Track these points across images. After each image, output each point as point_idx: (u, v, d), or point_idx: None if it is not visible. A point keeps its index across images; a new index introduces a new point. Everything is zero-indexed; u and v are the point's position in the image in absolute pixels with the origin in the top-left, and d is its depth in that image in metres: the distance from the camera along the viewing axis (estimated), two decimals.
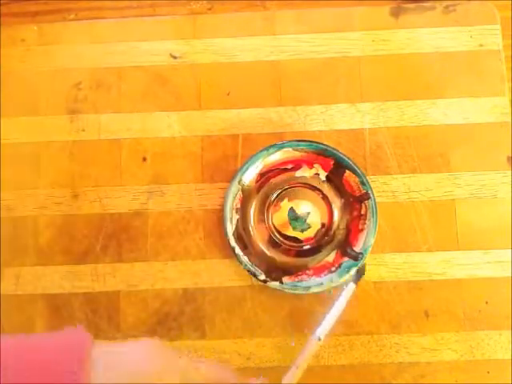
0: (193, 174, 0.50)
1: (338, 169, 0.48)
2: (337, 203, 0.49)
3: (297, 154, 0.49)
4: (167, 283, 0.49)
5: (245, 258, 0.48)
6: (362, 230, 0.48)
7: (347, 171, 0.48)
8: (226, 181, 0.50)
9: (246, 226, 0.49)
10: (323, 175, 0.49)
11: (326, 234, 0.49)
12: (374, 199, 0.47)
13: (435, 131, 0.51)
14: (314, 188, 0.49)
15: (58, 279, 0.49)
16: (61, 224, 0.50)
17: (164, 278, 0.49)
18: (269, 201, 0.49)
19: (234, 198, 0.48)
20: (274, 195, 0.49)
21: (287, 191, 0.49)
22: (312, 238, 0.49)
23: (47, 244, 0.50)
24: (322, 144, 0.48)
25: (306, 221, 0.49)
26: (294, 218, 0.49)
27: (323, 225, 0.49)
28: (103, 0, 0.56)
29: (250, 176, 0.49)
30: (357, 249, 0.48)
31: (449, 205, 0.49)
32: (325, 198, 0.49)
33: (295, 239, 0.49)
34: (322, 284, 0.47)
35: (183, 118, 0.51)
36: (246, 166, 0.48)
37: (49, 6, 0.56)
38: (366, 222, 0.48)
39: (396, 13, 0.53)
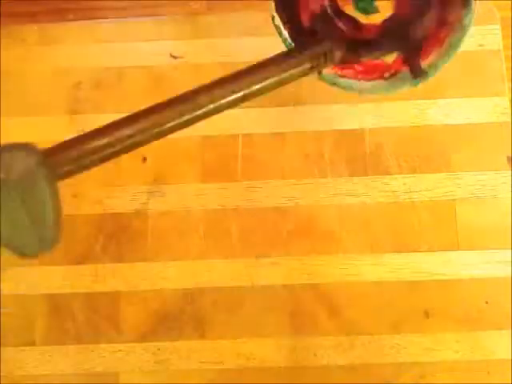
0: (193, 174, 0.50)
1: None
2: None
3: None
4: (167, 283, 0.49)
5: (285, 33, 0.37)
6: (441, 42, 0.37)
7: None
8: (226, 181, 0.50)
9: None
10: None
11: (396, 28, 0.37)
12: (472, 11, 0.34)
13: (435, 131, 0.51)
14: None
15: (58, 279, 0.49)
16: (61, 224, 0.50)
17: (164, 278, 0.49)
18: None
19: None
20: None
21: None
22: (376, 28, 0.37)
23: None
24: None
25: (374, 1, 0.37)
26: None
27: (396, 11, 0.36)
28: (103, 0, 0.56)
29: None
30: (423, 65, 0.37)
31: (449, 205, 0.49)
32: None
33: (354, 22, 0.37)
34: (368, 89, 0.38)
35: None
36: None
37: (49, 6, 0.56)
38: (450, 37, 0.36)
39: None
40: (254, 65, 0.33)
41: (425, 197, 0.50)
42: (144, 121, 0.30)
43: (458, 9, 0.35)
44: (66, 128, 0.52)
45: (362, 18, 0.37)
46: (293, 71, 0.34)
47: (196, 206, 0.50)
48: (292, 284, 0.49)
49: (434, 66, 0.37)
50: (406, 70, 0.38)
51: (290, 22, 0.37)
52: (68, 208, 0.50)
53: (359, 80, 0.38)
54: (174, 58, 0.53)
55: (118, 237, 0.50)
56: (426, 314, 0.48)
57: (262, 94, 0.33)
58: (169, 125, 0.30)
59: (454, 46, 0.36)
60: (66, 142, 0.28)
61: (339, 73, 0.38)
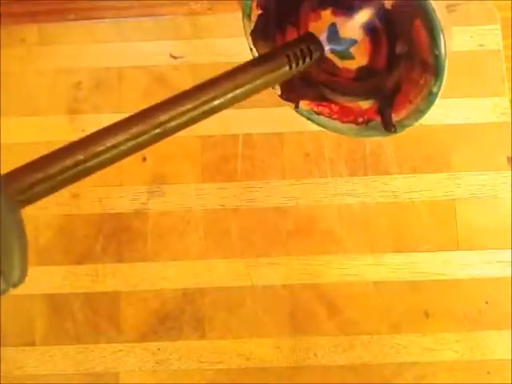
0: (193, 174, 0.50)
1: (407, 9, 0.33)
2: (400, 47, 0.36)
3: None
4: (167, 283, 0.49)
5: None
6: (411, 102, 0.36)
7: (418, 19, 0.33)
8: (226, 181, 0.50)
9: (270, 26, 0.37)
10: (389, 3, 0.34)
11: (369, 78, 0.37)
12: (441, 81, 0.34)
13: (435, 131, 0.51)
14: (374, 13, 0.35)
15: (58, 279, 0.49)
16: (61, 224, 0.50)
17: (164, 278, 0.49)
18: (306, 2, 0.36)
19: None
20: None
21: None
22: (350, 73, 0.37)
23: (47, 244, 0.50)
24: None
25: (349, 49, 0.36)
26: (334, 39, 0.36)
27: (370, 63, 0.36)
28: (103, 0, 0.56)
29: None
30: (395, 119, 0.37)
31: (449, 205, 0.49)
32: (385, 31, 0.36)
33: (331, 63, 0.37)
34: (341, 130, 0.37)
35: None
36: None
37: (49, 6, 0.56)
38: (418, 97, 0.35)
39: None
40: (227, 72, 0.32)
41: (425, 197, 0.50)
42: (109, 139, 0.28)
43: (429, 75, 0.35)
44: (66, 128, 0.52)
45: (337, 62, 0.37)
46: (270, 75, 0.33)
47: (196, 206, 0.50)
48: (292, 284, 0.49)
49: (401, 124, 0.37)
50: (378, 119, 0.38)
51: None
52: (68, 208, 0.50)
53: (334, 120, 0.38)
54: (174, 58, 0.53)
55: (118, 237, 0.50)
56: (426, 314, 0.48)
57: (239, 101, 0.32)
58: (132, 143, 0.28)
59: (421, 110, 0.36)
60: (28, 164, 0.26)
61: (315, 109, 0.39)
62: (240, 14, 0.53)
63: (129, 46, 0.53)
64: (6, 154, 0.52)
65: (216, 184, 0.50)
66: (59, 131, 0.52)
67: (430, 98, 0.35)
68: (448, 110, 0.51)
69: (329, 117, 0.38)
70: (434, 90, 0.35)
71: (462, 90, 0.51)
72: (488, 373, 0.47)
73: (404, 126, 0.37)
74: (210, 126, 0.52)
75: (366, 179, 0.50)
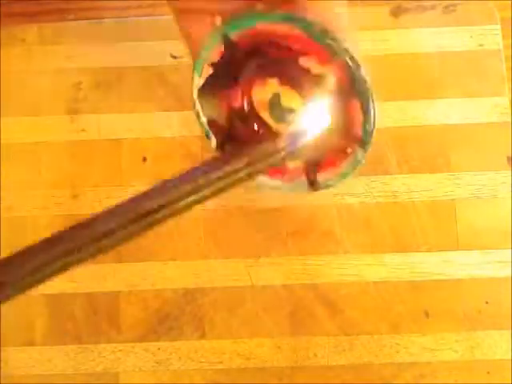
0: None
1: (349, 89, 0.36)
2: (332, 120, 0.38)
3: (293, 33, 0.35)
4: (167, 283, 0.49)
5: (204, 119, 0.39)
6: (336, 166, 0.39)
7: (355, 100, 0.36)
8: None
9: (216, 84, 0.38)
10: (330, 85, 0.37)
11: (298, 140, 0.39)
12: (367, 149, 0.37)
13: (435, 131, 0.51)
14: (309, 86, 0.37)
15: (58, 279, 0.49)
16: (61, 224, 0.49)
17: (164, 278, 0.49)
18: (255, 68, 0.39)
19: (212, 48, 0.37)
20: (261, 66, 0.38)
21: (281, 69, 0.38)
22: (281, 136, 0.39)
23: None
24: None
25: (287, 115, 0.39)
26: (275, 105, 0.39)
27: (303, 128, 0.39)
28: (103, 0, 0.56)
29: (239, 31, 0.37)
30: (319, 177, 0.40)
31: (449, 205, 0.49)
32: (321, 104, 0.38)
33: (267, 126, 0.40)
34: (265, 184, 0.40)
35: (183, 118, 0.51)
36: (238, 21, 0.36)
37: (49, 6, 0.56)
38: (344, 162, 0.38)
39: (396, 12, 0.53)
40: (180, 176, 0.31)
41: (425, 197, 0.50)
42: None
43: (357, 145, 0.38)
44: (66, 128, 0.52)
45: (273, 124, 0.39)
46: (227, 180, 0.32)
47: (196, 206, 0.50)
48: (292, 284, 0.49)
49: (325, 184, 0.40)
50: (304, 178, 0.40)
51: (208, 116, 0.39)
52: (68, 208, 0.50)
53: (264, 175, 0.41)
54: (174, 58, 0.53)
55: None
56: (426, 314, 0.48)
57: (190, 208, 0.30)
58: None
59: (345, 173, 0.39)
60: None
61: None
62: None
63: (129, 46, 0.53)
64: (6, 153, 0.52)
65: None
66: (59, 131, 0.52)
67: (355, 163, 0.38)
68: (448, 109, 0.51)
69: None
70: (360, 157, 0.38)
71: (461, 89, 0.51)
72: (488, 373, 0.47)
73: (328, 186, 0.40)
74: None
75: (365, 179, 0.50)
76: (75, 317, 0.49)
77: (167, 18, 0.54)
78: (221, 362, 0.48)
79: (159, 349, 0.48)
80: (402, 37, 0.52)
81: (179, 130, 0.51)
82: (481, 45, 0.52)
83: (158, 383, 0.48)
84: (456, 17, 0.52)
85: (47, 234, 0.51)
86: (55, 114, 0.52)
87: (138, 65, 0.53)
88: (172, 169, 0.51)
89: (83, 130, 0.52)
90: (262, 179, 0.40)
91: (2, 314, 0.49)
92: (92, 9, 0.55)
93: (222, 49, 0.37)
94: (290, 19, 0.35)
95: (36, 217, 0.50)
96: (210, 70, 0.38)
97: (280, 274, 0.49)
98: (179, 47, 0.53)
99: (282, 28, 0.36)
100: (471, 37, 0.52)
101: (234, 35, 0.37)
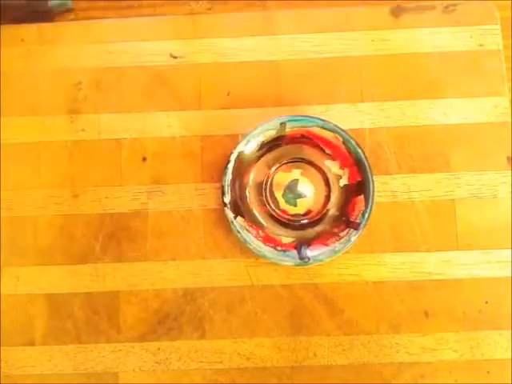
0: (193, 174, 0.50)
1: (358, 188, 0.48)
2: (333, 211, 0.49)
3: (333, 140, 0.48)
4: (167, 283, 0.49)
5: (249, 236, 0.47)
6: (327, 245, 0.47)
7: (361, 196, 0.47)
8: None
9: (243, 194, 0.49)
10: (344, 182, 0.49)
11: (296, 223, 0.49)
12: (355, 237, 0.46)
13: (435, 131, 0.51)
14: (326, 181, 0.49)
15: (58, 279, 0.49)
16: (61, 224, 0.50)
17: (164, 278, 0.49)
18: (276, 164, 0.49)
19: (266, 129, 0.48)
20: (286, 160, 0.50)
21: (307, 163, 0.49)
22: (286, 214, 0.49)
23: (47, 244, 0.50)
24: (368, 168, 0.47)
25: (296, 199, 0.49)
26: (291, 188, 0.49)
27: (305, 214, 0.49)
28: (103, 0, 0.56)
29: (296, 125, 0.48)
30: (310, 253, 0.47)
31: (449, 205, 0.49)
32: (328, 195, 0.49)
33: (276, 202, 0.49)
34: (260, 250, 0.47)
35: (183, 118, 0.51)
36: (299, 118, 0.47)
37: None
38: (336, 243, 0.47)
39: (396, 12, 0.53)
40: None
41: (424, 197, 0.50)
42: None
43: (352, 229, 0.46)
44: (66, 128, 0.52)
45: (281, 203, 0.49)
46: None
47: (196, 206, 0.50)
48: (292, 284, 0.49)
49: (315, 259, 0.46)
50: (295, 251, 0.47)
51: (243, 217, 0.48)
52: (68, 208, 0.50)
53: (258, 240, 0.47)
54: (174, 57, 0.53)
55: (118, 237, 0.50)
56: (426, 314, 0.48)
57: None
58: None
59: (335, 251, 0.46)
60: None
61: (247, 227, 0.48)
62: (240, 14, 0.53)
63: (129, 46, 0.53)
64: (5, 153, 0.52)
65: (216, 184, 0.50)
66: (59, 131, 0.52)
67: (347, 243, 0.46)
68: (448, 109, 0.51)
69: (255, 237, 0.47)
70: (353, 239, 0.46)
71: (461, 89, 0.51)
72: (488, 373, 0.47)
73: (318, 260, 0.46)
74: (210, 126, 0.52)
75: None
76: (75, 317, 0.49)
77: (167, 18, 0.55)
78: (221, 362, 0.48)
79: (159, 349, 0.48)
80: (402, 37, 0.52)
81: (179, 130, 0.51)
82: (481, 45, 0.52)
83: (157, 383, 0.48)
84: (456, 17, 0.52)
85: (47, 233, 0.51)
86: (55, 114, 0.52)
87: (138, 65, 0.53)
88: (172, 169, 0.52)
89: (83, 130, 0.52)
90: (259, 244, 0.47)
91: (2, 313, 0.49)
92: (92, 9, 0.55)
93: (274, 134, 0.48)
94: (335, 131, 0.46)
95: (36, 217, 0.50)
96: (255, 144, 0.48)
97: (280, 273, 0.49)
98: (179, 47, 0.53)
99: (328, 135, 0.47)
100: (471, 37, 0.52)
101: (289, 127, 0.48)
